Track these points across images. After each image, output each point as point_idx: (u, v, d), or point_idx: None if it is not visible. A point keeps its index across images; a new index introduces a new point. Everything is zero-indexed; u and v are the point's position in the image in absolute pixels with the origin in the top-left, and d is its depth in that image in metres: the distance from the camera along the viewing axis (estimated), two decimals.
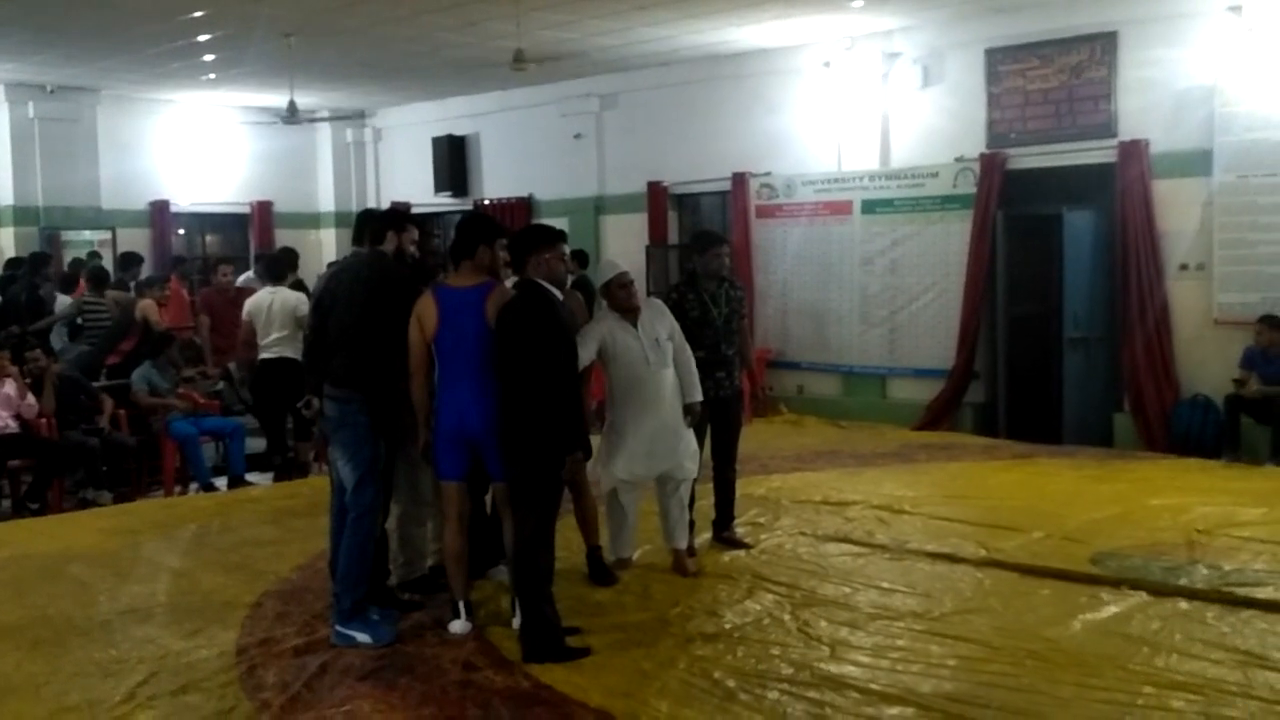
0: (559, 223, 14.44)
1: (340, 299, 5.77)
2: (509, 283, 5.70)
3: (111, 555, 7.34)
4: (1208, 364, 10.18)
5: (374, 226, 5.96)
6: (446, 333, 5.40)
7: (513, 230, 5.96)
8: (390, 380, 5.55)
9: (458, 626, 5.54)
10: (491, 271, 5.56)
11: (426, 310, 5.43)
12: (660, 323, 6.37)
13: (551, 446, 5.22)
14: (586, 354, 6.13)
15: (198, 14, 10.70)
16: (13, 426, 9.08)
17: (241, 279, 12.46)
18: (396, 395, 5.56)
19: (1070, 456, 10.05)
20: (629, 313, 6.32)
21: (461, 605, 5.59)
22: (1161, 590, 6.01)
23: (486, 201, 15.90)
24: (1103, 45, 10.62)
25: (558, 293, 5.47)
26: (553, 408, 5.19)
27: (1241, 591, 5.93)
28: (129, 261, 12.87)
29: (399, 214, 6.48)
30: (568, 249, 5.79)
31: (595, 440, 6.52)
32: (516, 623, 5.40)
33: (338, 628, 5.51)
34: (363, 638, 5.43)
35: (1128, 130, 10.49)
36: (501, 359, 5.26)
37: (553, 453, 5.22)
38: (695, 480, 6.67)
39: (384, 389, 5.57)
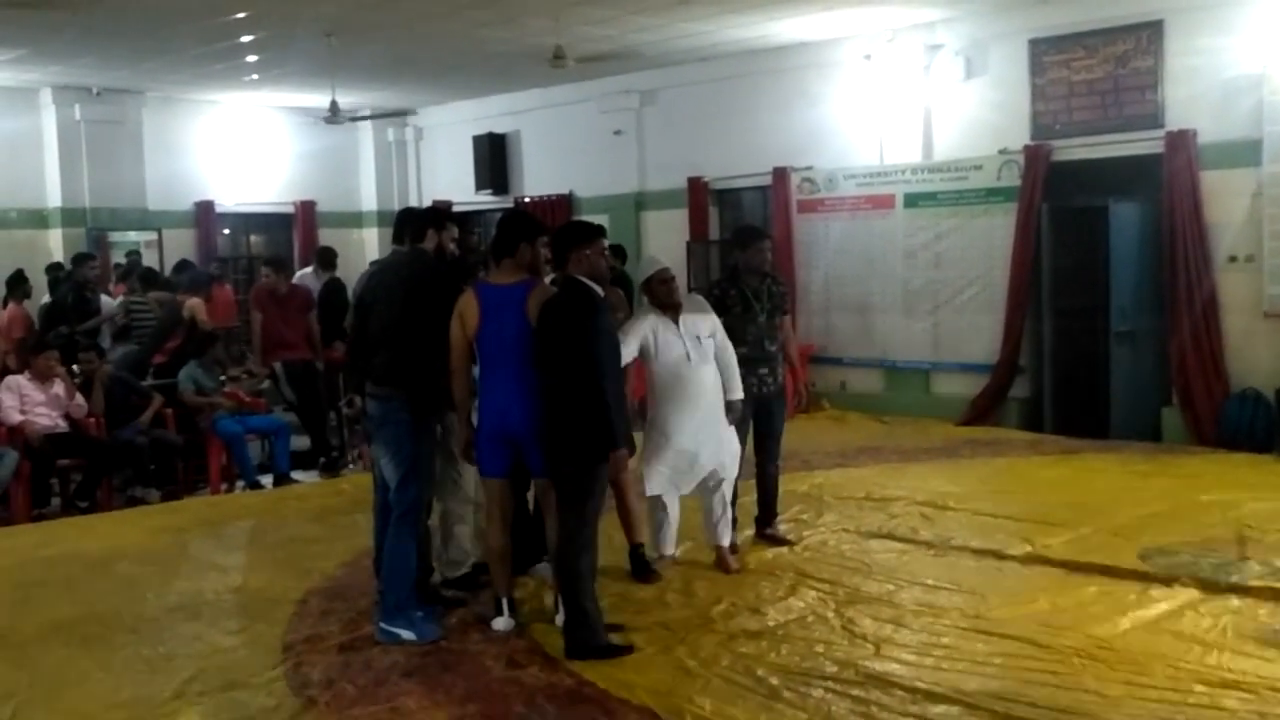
0: (599, 219, 14.50)
1: (381, 297, 5.80)
2: (549, 279, 5.70)
3: (159, 553, 7.43)
4: (1258, 357, 10.03)
5: (414, 225, 5.99)
6: (488, 330, 5.41)
7: (553, 227, 5.95)
8: (432, 378, 5.56)
9: (501, 623, 5.55)
10: (532, 269, 5.56)
11: (468, 308, 5.44)
12: (702, 319, 6.35)
13: (594, 444, 5.21)
14: (628, 351, 6.11)
15: (240, 15, 10.78)
16: (62, 426, 9.21)
17: (297, 275, 12.57)
18: (438, 393, 5.58)
19: (1118, 452, 9.93)
20: (670, 309, 6.31)
21: (505, 602, 5.60)
22: (1212, 587, 5.93)
23: (527, 199, 15.93)
24: (1149, 34, 10.48)
25: (599, 289, 5.46)
26: (595, 405, 5.18)
27: None
28: (182, 268, 13.06)
29: (439, 212, 6.51)
30: (607, 244, 5.78)
31: (638, 438, 6.53)
32: (560, 619, 5.40)
33: (382, 625, 5.54)
34: (407, 635, 5.45)
35: (1175, 120, 10.35)
36: (543, 356, 5.26)
37: (595, 450, 5.21)
38: (738, 477, 6.66)
39: (425, 386, 5.59)
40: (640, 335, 6.25)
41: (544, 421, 5.28)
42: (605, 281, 5.65)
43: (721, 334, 6.43)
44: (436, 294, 5.61)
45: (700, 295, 6.76)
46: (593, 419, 5.19)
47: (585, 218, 14.44)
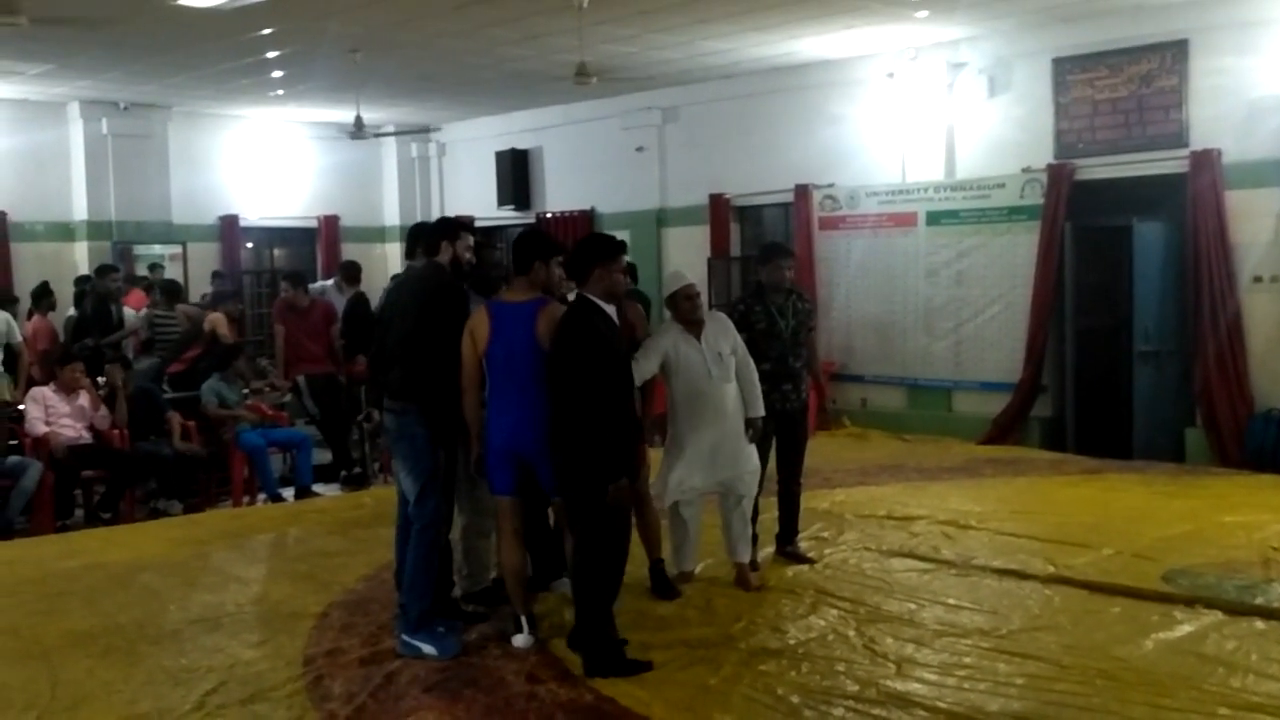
0: (621, 235, 14.46)
1: (397, 312, 5.83)
2: (572, 295, 5.69)
3: (181, 565, 7.45)
4: None
5: (426, 239, 5.99)
6: (498, 347, 5.43)
7: (568, 247, 5.94)
8: (446, 391, 5.57)
9: (520, 640, 5.54)
10: (547, 288, 5.56)
11: (480, 325, 5.47)
12: (723, 336, 6.35)
13: (597, 469, 5.16)
14: (650, 366, 6.14)
15: (266, 31, 10.87)
16: (86, 438, 9.26)
17: (317, 286, 12.63)
18: (453, 406, 5.59)
19: (1141, 472, 9.87)
20: (693, 325, 6.31)
21: (524, 619, 5.59)
22: (1236, 609, 5.89)
23: (549, 215, 15.98)
24: (1173, 54, 10.45)
25: (610, 309, 5.41)
26: (599, 430, 5.14)
27: None
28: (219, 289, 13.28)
29: (451, 223, 6.39)
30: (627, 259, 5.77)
31: (656, 454, 6.52)
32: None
33: (404, 638, 5.54)
34: (428, 649, 5.45)
35: (1199, 140, 10.31)
36: (551, 377, 5.26)
37: (599, 475, 5.17)
38: (759, 494, 6.64)
39: (440, 400, 5.59)
40: (661, 351, 6.25)
41: (552, 442, 5.27)
42: (622, 298, 5.61)
43: (743, 350, 6.42)
44: (448, 308, 5.63)
45: (723, 313, 6.75)
46: (596, 444, 5.16)
47: (608, 234, 14.49)
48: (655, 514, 6.40)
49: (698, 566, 6.70)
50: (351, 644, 5.69)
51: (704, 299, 6.64)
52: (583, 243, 5.78)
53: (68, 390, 9.30)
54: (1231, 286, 10.14)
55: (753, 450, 6.47)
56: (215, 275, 14.43)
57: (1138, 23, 10.59)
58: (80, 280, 13.26)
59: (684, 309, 6.33)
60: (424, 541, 5.60)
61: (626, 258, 5.77)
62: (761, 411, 6.43)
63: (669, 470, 6.40)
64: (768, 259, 7.02)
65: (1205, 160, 10.18)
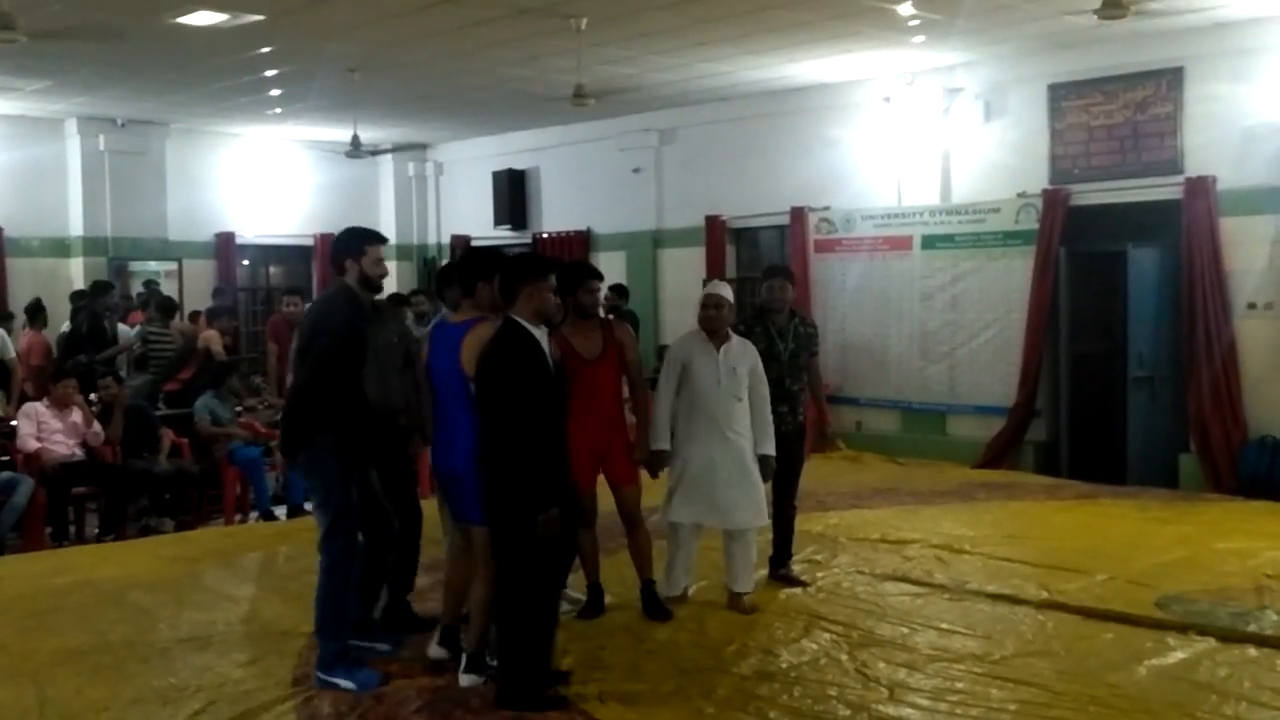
0: (617, 256, 14.64)
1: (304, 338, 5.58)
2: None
3: (172, 583, 7.41)
4: (1276, 404, 9.99)
5: (332, 256, 5.55)
6: (432, 369, 5.49)
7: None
8: (358, 422, 5.32)
9: (466, 681, 5.31)
10: (494, 308, 5.39)
11: (426, 347, 5.60)
12: (743, 357, 6.40)
13: (524, 499, 4.95)
14: (671, 387, 6.31)
15: (264, 50, 10.89)
16: (79, 454, 9.23)
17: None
18: (367, 438, 5.41)
19: (1134, 498, 9.87)
20: (714, 335, 6.37)
21: (468, 657, 5.39)
22: (1230, 636, 5.88)
23: (545, 235, 16.00)
24: (1169, 81, 10.50)
25: (538, 331, 5.15)
26: (524, 458, 4.93)
27: None
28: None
29: (355, 236, 5.52)
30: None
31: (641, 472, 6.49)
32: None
33: (319, 675, 5.35)
34: (346, 684, 5.26)
35: (1194, 166, 10.35)
36: (478, 404, 5.10)
37: (525, 506, 4.95)
38: None
39: (353, 431, 5.31)
40: (679, 363, 6.36)
41: (481, 471, 5.09)
42: (554, 320, 5.45)
43: (763, 386, 6.43)
44: (338, 337, 5.25)
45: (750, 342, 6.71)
46: (520, 473, 4.94)
47: (603, 254, 14.58)
48: (646, 535, 6.38)
49: (692, 588, 6.68)
50: None
51: (693, 322, 6.62)
52: (509, 263, 5.50)
53: (60, 406, 9.27)
54: (1226, 313, 10.16)
55: (760, 490, 6.43)
56: (217, 291, 14.40)
57: (1133, 50, 10.63)
58: (76, 296, 13.25)
59: (700, 316, 6.42)
60: (332, 580, 5.33)
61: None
62: (773, 449, 6.42)
63: (672, 488, 6.43)
64: (763, 279, 7.11)
65: (1200, 187, 10.22)
